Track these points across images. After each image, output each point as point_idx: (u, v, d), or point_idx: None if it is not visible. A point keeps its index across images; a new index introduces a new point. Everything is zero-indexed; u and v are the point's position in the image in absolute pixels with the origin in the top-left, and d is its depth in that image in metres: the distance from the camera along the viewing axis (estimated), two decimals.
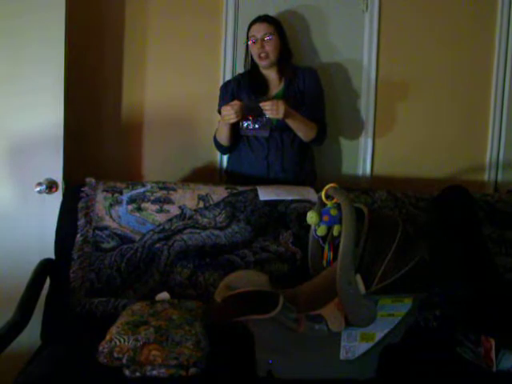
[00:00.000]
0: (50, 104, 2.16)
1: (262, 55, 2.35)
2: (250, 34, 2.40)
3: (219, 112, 2.47)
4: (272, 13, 2.49)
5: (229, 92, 2.45)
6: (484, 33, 2.72)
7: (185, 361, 1.51)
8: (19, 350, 1.73)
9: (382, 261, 1.56)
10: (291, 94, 2.39)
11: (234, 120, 2.21)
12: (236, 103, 2.21)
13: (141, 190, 2.08)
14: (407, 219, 2.08)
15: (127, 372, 1.52)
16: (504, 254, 2.10)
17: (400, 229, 1.60)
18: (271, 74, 2.44)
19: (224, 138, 2.38)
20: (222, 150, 2.50)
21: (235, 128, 2.32)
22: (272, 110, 2.16)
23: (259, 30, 2.36)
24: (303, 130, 2.34)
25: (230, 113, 2.19)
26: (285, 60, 2.42)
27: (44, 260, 1.97)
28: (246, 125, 2.28)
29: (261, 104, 2.18)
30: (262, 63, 2.39)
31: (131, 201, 2.05)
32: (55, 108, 2.16)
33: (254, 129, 2.29)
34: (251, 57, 2.43)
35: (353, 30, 2.67)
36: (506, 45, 2.71)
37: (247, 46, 2.44)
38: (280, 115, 2.17)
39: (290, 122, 2.27)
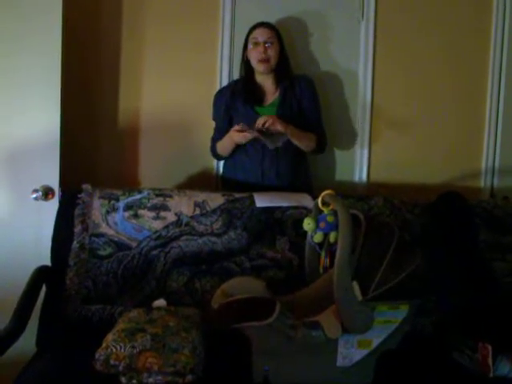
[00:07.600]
0: (47, 110, 2.16)
1: (264, 59, 2.33)
2: (250, 38, 2.37)
3: (214, 120, 2.48)
4: (268, 20, 2.49)
5: (223, 101, 2.43)
6: (479, 41, 2.73)
7: (181, 368, 1.51)
8: (15, 357, 1.72)
9: (378, 267, 1.56)
10: (287, 102, 2.38)
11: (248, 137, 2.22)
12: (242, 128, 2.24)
13: (137, 196, 2.08)
14: (403, 226, 2.08)
15: (124, 379, 1.51)
16: (500, 259, 2.10)
17: (396, 235, 1.61)
18: (267, 82, 2.42)
19: (227, 152, 2.41)
20: (219, 158, 2.52)
21: None
22: (266, 122, 2.16)
23: (262, 34, 2.35)
24: (304, 142, 2.34)
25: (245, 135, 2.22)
26: (282, 67, 2.40)
27: (40, 267, 1.96)
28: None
29: (257, 123, 2.18)
30: (261, 67, 2.35)
31: (128, 208, 2.05)
32: (51, 114, 2.16)
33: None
34: (247, 64, 2.41)
35: (348, 38, 2.67)
36: (500, 53, 2.71)
37: (244, 52, 2.43)
38: (276, 123, 2.16)
39: (292, 137, 2.26)
